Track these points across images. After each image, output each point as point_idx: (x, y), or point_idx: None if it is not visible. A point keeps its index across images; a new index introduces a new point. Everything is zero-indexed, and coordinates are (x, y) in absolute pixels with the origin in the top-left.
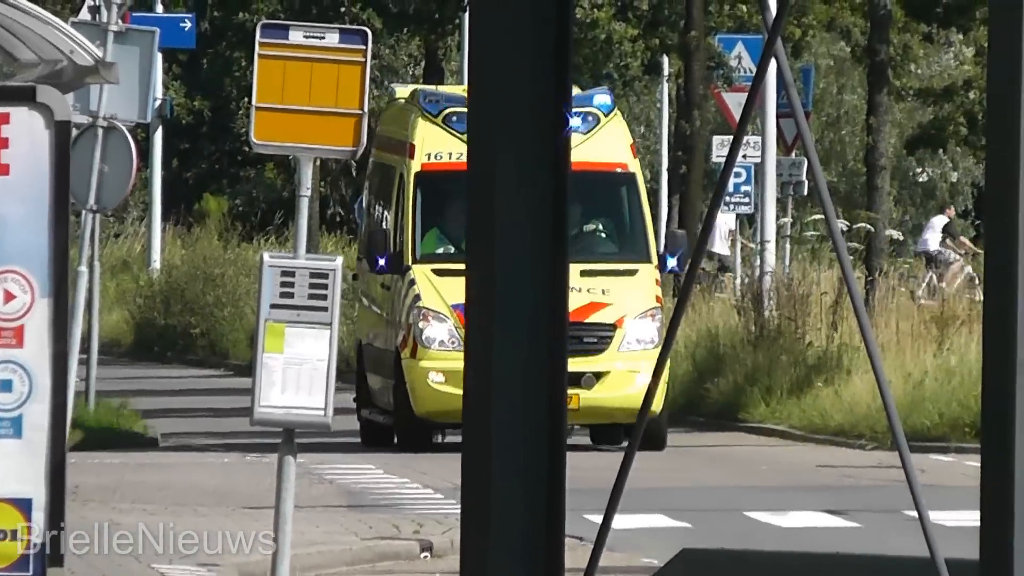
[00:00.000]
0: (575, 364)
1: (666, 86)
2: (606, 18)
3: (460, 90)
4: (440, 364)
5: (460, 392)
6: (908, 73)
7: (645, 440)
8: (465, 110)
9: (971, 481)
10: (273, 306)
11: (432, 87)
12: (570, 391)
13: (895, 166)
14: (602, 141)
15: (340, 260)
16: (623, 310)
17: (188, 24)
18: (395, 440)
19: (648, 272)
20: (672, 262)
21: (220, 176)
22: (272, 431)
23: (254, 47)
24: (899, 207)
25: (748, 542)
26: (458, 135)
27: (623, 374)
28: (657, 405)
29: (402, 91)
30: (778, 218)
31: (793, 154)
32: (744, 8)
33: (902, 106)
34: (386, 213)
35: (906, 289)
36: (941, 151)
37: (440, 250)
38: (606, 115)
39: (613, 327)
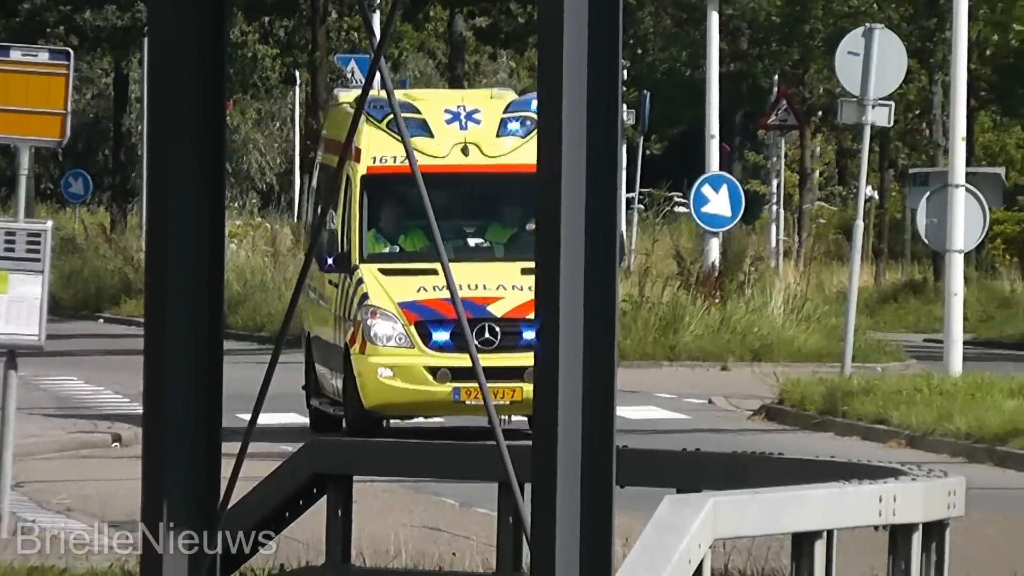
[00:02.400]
0: (517, 359)
1: (298, 92)
2: (252, 41)
3: (401, 95)
4: (388, 360)
5: (408, 386)
6: (479, 83)
7: None
8: (409, 114)
9: None
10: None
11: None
12: (514, 384)
13: None
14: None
15: (51, 223)
16: None
17: None
18: (343, 428)
19: None
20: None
21: None
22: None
23: None
24: None
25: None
26: (400, 139)
27: None
28: None
29: (346, 96)
30: None
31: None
32: (356, 35)
33: None
34: (333, 214)
35: None
36: None
37: (386, 250)
38: None
39: None
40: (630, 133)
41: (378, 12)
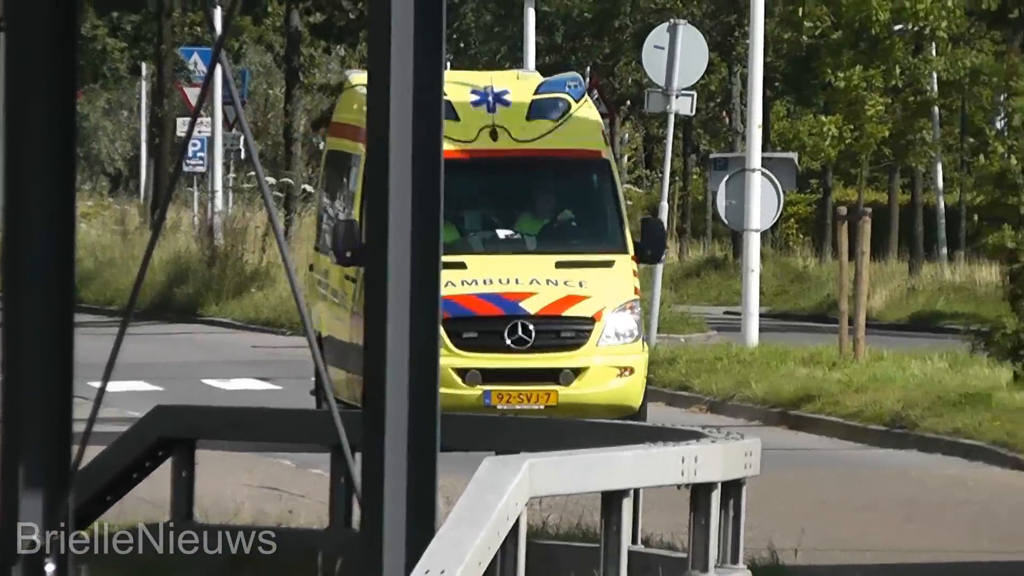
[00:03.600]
0: (553, 360)
1: (144, 83)
2: (102, 35)
3: None
4: None
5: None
6: (313, 74)
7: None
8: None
9: None
10: None
11: None
12: (549, 387)
13: (305, 139)
14: (573, 127)
15: None
16: (601, 303)
17: None
18: None
19: (625, 263)
20: (650, 253)
21: None
22: None
23: None
24: (308, 167)
25: (204, 400)
26: None
27: (602, 369)
28: (636, 400)
29: (358, 77)
30: (224, 174)
31: (233, 130)
32: (199, 29)
33: (309, 98)
34: (347, 203)
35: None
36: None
37: None
38: (576, 100)
39: (591, 321)
40: None
41: (219, 8)
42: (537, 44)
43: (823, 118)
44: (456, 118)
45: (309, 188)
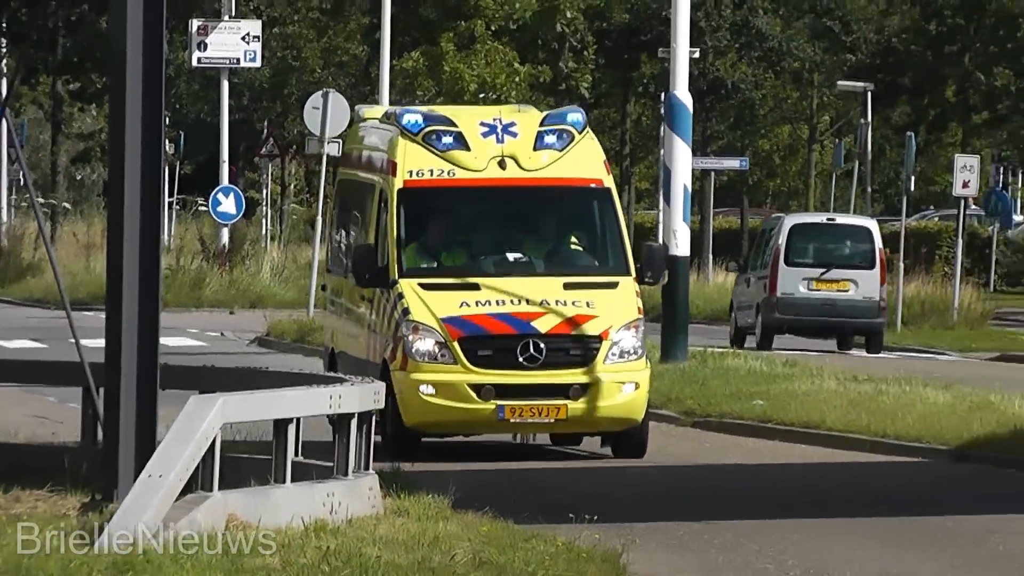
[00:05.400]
0: (562, 376)
1: None
2: None
3: (439, 110)
4: (430, 376)
5: (450, 403)
6: (72, 125)
7: (628, 447)
8: (444, 128)
9: None
10: None
11: (413, 107)
12: (558, 402)
13: (66, 171)
14: (577, 157)
15: None
16: (608, 322)
17: None
18: (381, 443)
19: (628, 284)
20: (650, 275)
21: None
22: None
23: None
24: (68, 192)
25: None
26: (438, 152)
27: (609, 385)
28: (639, 413)
29: (369, 112)
30: (8, 196)
31: (15, 165)
32: None
33: (70, 142)
34: (362, 228)
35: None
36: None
37: (424, 264)
38: (579, 132)
39: (599, 339)
40: (171, 159)
41: (4, 79)
42: (229, 105)
43: None
44: (467, 148)
45: (68, 206)
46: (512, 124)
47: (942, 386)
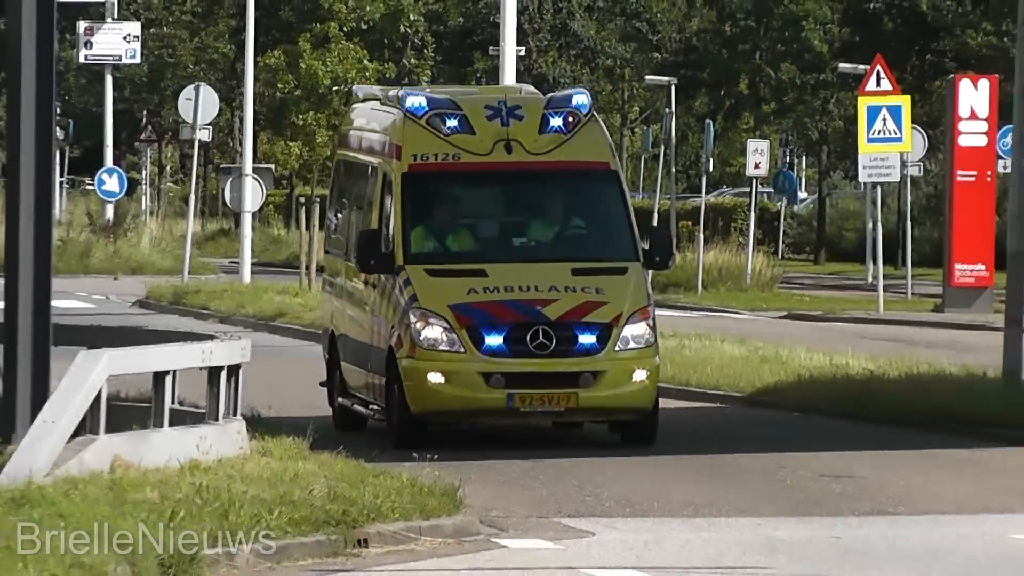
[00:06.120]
0: (573, 364)
1: None
2: None
3: (440, 92)
4: (439, 364)
5: (459, 392)
6: None
7: (637, 435)
8: (449, 111)
9: None
10: None
11: (416, 88)
12: (569, 390)
13: None
14: (582, 140)
15: None
16: (618, 309)
17: None
18: (386, 429)
19: (637, 270)
20: (658, 259)
21: None
22: None
23: None
24: None
25: None
26: (442, 136)
27: (619, 373)
28: (650, 401)
29: (365, 91)
30: None
31: None
32: None
33: None
34: (364, 213)
35: None
36: None
37: (431, 250)
38: (585, 115)
39: (609, 326)
40: (62, 144)
41: None
42: (113, 97)
43: (291, 143)
44: (472, 132)
45: None
46: (517, 107)
47: (737, 341)
